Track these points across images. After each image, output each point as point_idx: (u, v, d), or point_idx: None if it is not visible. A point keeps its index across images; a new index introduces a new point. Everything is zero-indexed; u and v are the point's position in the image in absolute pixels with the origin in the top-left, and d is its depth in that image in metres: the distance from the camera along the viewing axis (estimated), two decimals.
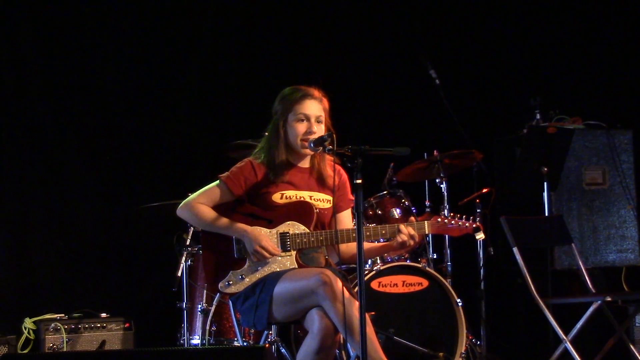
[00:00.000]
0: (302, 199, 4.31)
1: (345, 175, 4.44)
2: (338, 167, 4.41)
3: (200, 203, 4.29)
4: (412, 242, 4.25)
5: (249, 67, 6.63)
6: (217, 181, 4.32)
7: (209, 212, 4.27)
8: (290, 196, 4.31)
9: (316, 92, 4.34)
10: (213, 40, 6.59)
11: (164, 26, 6.49)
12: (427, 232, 4.35)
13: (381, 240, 4.45)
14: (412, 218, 4.32)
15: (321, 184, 4.37)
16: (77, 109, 6.31)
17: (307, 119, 4.29)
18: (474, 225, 4.32)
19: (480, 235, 4.32)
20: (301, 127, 4.29)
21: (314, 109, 4.30)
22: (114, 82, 6.38)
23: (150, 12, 6.44)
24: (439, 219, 4.32)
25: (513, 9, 6.97)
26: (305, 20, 6.73)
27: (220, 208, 4.30)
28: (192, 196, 4.34)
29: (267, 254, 4.20)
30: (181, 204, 4.34)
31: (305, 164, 4.40)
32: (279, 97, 4.38)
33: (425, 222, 4.32)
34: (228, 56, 6.65)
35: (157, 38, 6.47)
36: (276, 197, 4.29)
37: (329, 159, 4.34)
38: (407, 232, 4.23)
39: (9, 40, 6.14)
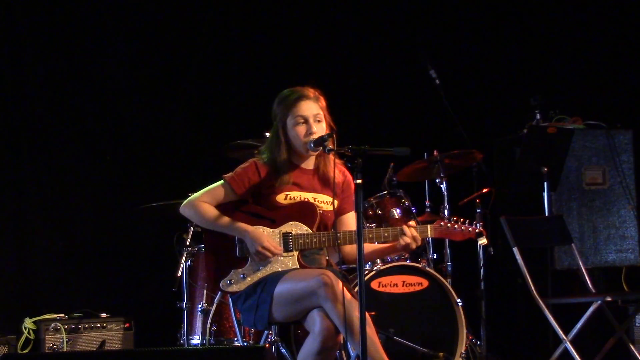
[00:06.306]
0: (305, 199, 4.32)
1: (349, 177, 4.42)
2: (343, 168, 4.41)
3: (204, 202, 4.29)
4: (414, 245, 4.25)
5: (249, 68, 6.63)
6: (221, 181, 4.32)
7: (211, 211, 4.27)
8: (294, 197, 4.31)
9: (311, 92, 4.33)
10: (213, 40, 6.59)
11: (164, 26, 6.48)
12: (430, 236, 4.35)
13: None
14: (414, 222, 4.29)
15: (325, 185, 4.36)
16: (77, 108, 6.32)
17: (306, 120, 4.28)
18: (476, 230, 4.32)
19: (483, 241, 4.32)
20: (301, 130, 4.28)
21: (311, 109, 4.29)
22: (115, 82, 6.38)
23: (151, 12, 6.43)
24: (442, 223, 4.32)
25: (513, 9, 6.97)
26: (305, 20, 6.73)
27: (224, 206, 4.30)
28: (195, 194, 4.33)
29: (269, 255, 4.20)
30: (184, 202, 4.34)
31: (309, 165, 4.39)
32: (276, 100, 4.38)
33: (429, 225, 4.31)
34: (228, 56, 6.65)
35: (157, 38, 6.47)
36: (280, 198, 4.29)
37: (332, 160, 4.30)
38: (410, 234, 4.22)
39: (9, 40, 6.14)
